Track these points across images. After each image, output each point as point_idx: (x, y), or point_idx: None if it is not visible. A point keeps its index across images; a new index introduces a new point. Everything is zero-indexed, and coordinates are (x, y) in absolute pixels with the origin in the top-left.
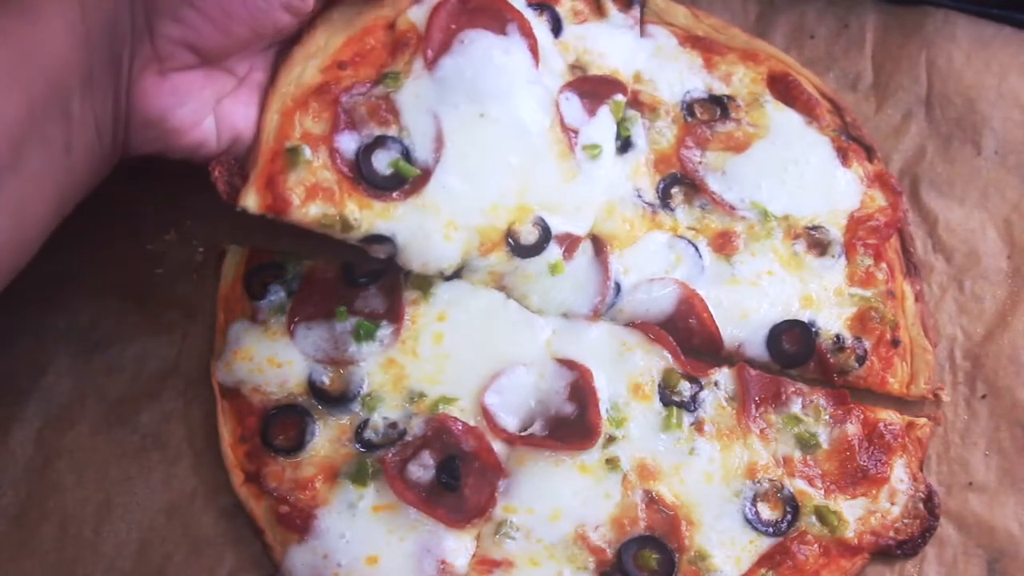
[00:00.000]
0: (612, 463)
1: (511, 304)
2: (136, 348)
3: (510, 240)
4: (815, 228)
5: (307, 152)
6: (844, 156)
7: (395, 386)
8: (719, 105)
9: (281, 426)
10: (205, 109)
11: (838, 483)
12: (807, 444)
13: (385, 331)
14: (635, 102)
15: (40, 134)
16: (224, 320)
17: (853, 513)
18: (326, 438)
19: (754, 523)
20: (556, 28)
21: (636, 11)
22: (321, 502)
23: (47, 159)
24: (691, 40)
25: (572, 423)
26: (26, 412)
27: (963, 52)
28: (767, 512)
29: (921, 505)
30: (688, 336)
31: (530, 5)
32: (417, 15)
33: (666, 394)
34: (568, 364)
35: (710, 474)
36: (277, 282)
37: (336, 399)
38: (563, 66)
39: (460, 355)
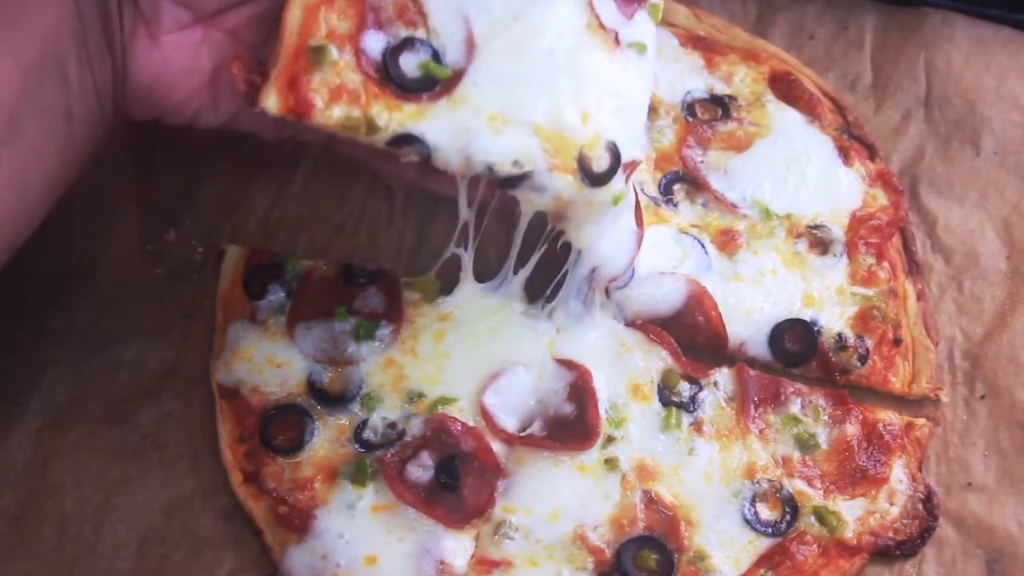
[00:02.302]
0: (611, 463)
1: (516, 304)
2: (135, 348)
3: (581, 166)
4: (817, 227)
5: (334, 52)
6: (846, 155)
7: (394, 386)
8: (720, 105)
9: (280, 426)
10: (200, 76)
11: (837, 483)
12: (806, 444)
13: (384, 331)
14: None
15: (37, 104)
16: (223, 320)
17: (852, 513)
18: (325, 438)
19: (753, 523)
20: None
21: None
22: (320, 502)
23: (47, 129)
24: (692, 40)
25: (571, 423)
26: (25, 412)
27: (962, 53)
28: (766, 512)
29: (920, 505)
30: (693, 333)
31: None
32: None
33: (665, 394)
34: (567, 364)
35: (709, 474)
36: (276, 282)
37: (335, 399)
38: None
39: (459, 355)
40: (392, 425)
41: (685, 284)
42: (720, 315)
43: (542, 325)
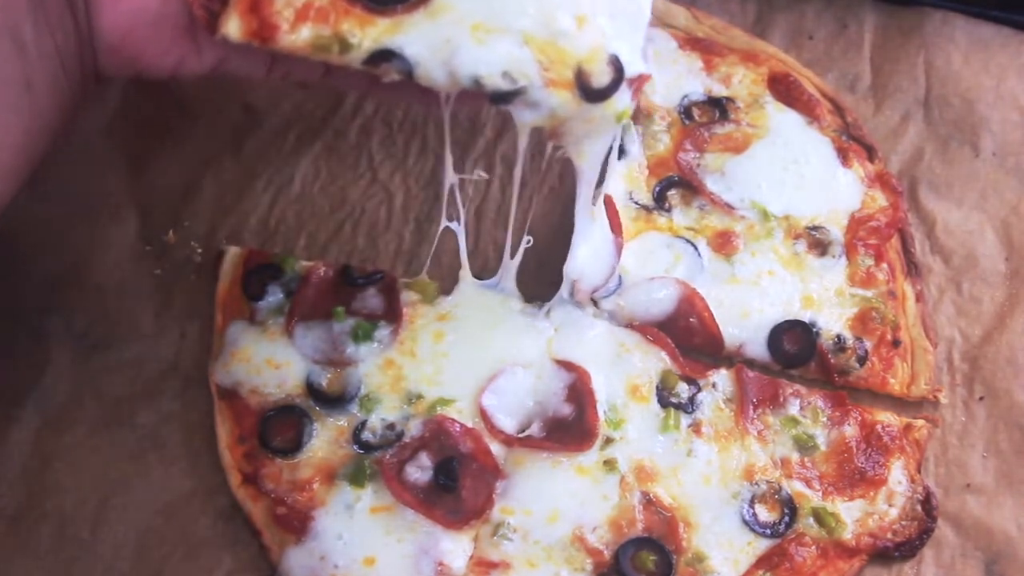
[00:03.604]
0: (610, 464)
1: (514, 304)
2: (134, 349)
3: (580, 81)
4: (816, 228)
5: None
6: (845, 156)
7: (393, 387)
8: (718, 107)
9: (279, 427)
10: (174, 21)
11: (836, 485)
12: (805, 446)
13: (383, 331)
14: None
15: None
16: (222, 321)
17: (851, 515)
18: (324, 439)
19: (752, 525)
20: None
21: None
22: (319, 503)
23: (4, 102)
24: (691, 42)
25: (570, 424)
26: (24, 413)
27: (962, 53)
28: (765, 514)
29: (919, 507)
30: (689, 335)
31: None
32: None
33: (664, 395)
34: (566, 365)
35: (708, 476)
36: (275, 283)
37: (334, 400)
38: None
39: (458, 356)
40: (391, 426)
41: (676, 288)
42: (713, 317)
43: (540, 324)
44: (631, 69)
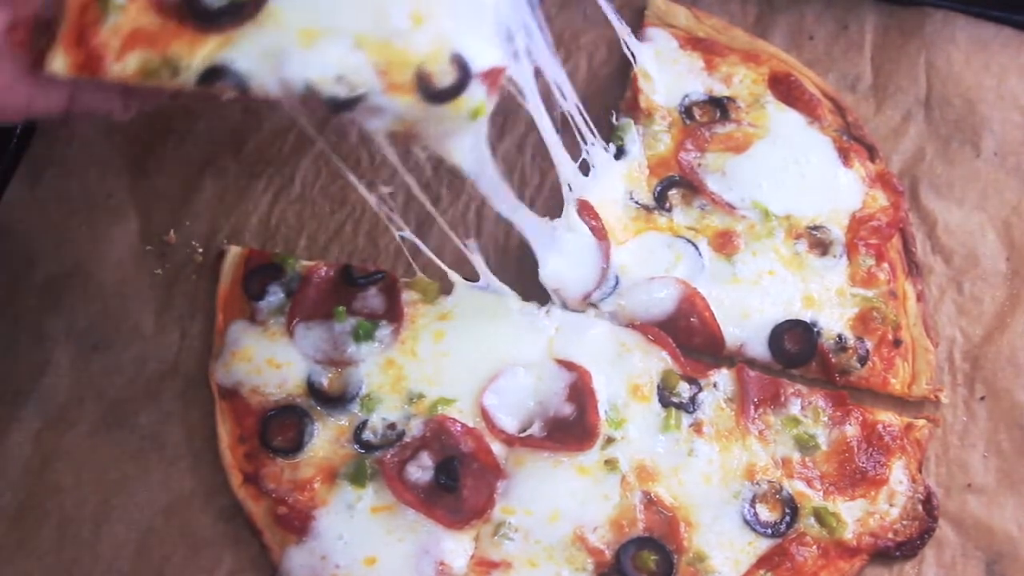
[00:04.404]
0: (611, 464)
1: (515, 304)
2: (135, 349)
3: (421, 83)
4: (816, 228)
5: None
6: (846, 156)
7: (394, 387)
8: (719, 107)
9: (280, 427)
10: (11, 64)
11: (837, 484)
12: (806, 445)
13: (384, 331)
14: (631, 108)
15: None
16: (223, 321)
17: (852, 515)
18: (325, 439)
19: (753, 524)
20: None
21: None
22: (319, 503)
23: None
24: (692, 42)
25: (571, 424)
26: (24, 413)
27: (963, 53)
28: (766, 513)
29: (920, 507)
30: (689, 335)
31: None
32: None
33: (665, 395)
34: (567, 365)
35: (709, 475)
36: (276, 283)
37: (335, 400)
38: None
39: (459, 356)
40: (392, 426)
41: (677, 287)
42: (714, 316)
43: (540, 324)
44: (479, 64)
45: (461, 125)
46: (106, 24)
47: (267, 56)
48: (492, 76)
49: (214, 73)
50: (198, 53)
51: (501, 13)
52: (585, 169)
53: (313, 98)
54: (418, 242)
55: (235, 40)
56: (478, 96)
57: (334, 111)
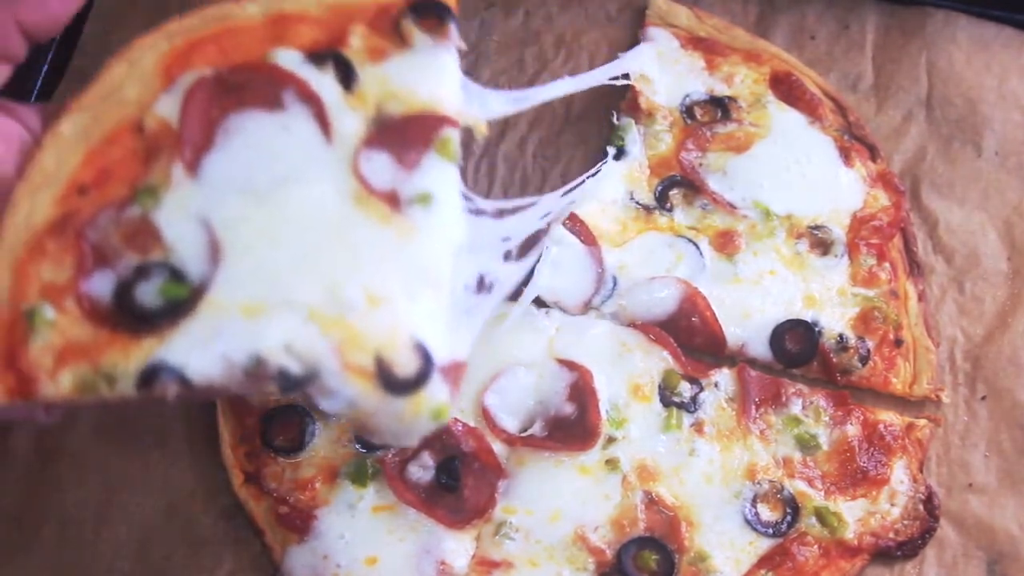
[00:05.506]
0: (612, 464)
1: (515, 305)
2: None
3: (381, 371)
4: (818, 227)
5: (47, 312)
6: (847, 156)
7: None
8: (720, 107)
9: (281, 426)
10: None
11: (838, 484)
12: (807, 445)
13: None
14: (632, 108)
15: None
16: None
17: (853, 514)
18: (326, 438)
19: (754, 524)
20: (348, 77)
21: (452, 30)
22: (321, 502)
23: None
24: (693, 42)
25: (572, 424)
26: None
27: (964, 53)
28: (767, 513)
29: (921, 506)
30: (690, 335)
31: (308, 59)
32: (167, 108)
33: (666, 395)
34: (568, 365)
35: (710, 475)
36: None
37: None
38: (361, 121)
39: None
40: None
41: (678, 287)
42: (715, 316)
43: (541, 324)
44: (440, 355)
45: (420, 427)
46: (36, 342)
47: (207, 341)
48: (454, 371)
49: (151, 374)
50: (134, 357)
51: (458, 298)
52: None
53: (263, 374)
54: None
55: (171, 335)
56: (440, 395)
57: (283, 392)
